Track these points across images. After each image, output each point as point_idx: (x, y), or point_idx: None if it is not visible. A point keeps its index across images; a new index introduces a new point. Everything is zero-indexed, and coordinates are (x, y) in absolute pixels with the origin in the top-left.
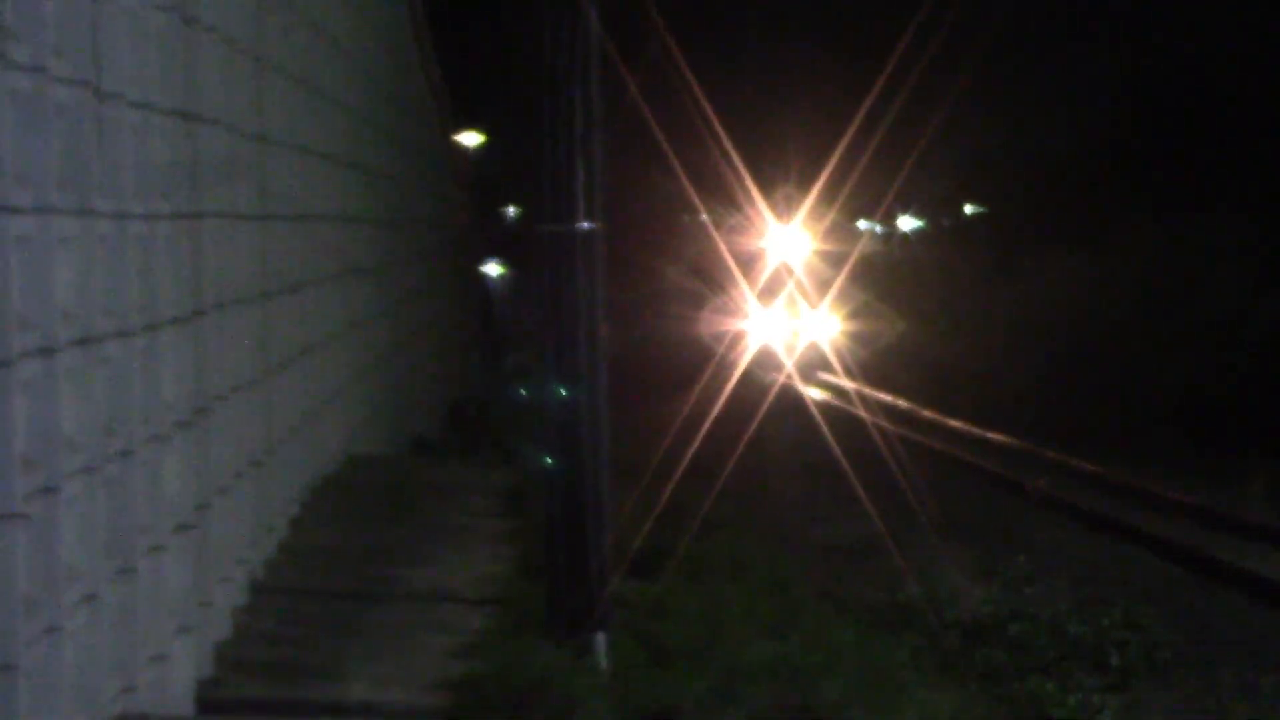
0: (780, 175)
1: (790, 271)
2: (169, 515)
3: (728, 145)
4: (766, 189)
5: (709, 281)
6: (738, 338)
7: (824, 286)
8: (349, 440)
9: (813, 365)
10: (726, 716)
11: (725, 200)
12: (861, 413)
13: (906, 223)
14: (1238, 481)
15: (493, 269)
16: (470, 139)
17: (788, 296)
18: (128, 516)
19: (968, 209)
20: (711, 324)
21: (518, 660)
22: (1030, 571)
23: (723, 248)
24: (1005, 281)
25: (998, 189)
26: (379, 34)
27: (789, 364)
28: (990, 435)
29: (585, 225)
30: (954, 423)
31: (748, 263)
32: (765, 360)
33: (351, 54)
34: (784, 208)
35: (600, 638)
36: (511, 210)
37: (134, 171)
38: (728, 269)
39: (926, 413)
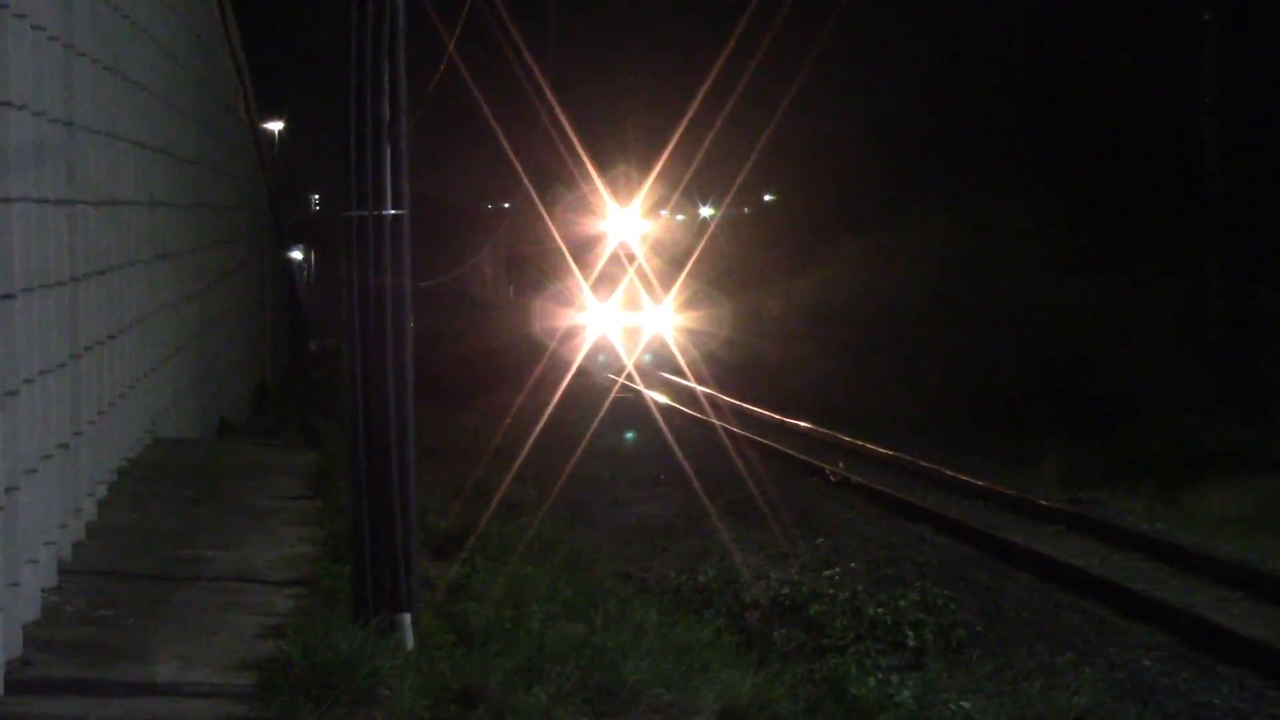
0: (617, 157)
1: (631, 258)
2: None
3: (563, 123)
4: (604, 170)
5: (539, 269)
6: (570, 334)
7: (659, 276)
8: (155, 423)
9: (612, 353)
10: (531, 696)
11: (558, 181)
12: (667, 399)
13: (706, 211)
14: (1029, 464)
15: (297, 253)
16: (273, 125)
17: (627, 287)
18: None
19: (767, 197)
20: (540, 317)
21: (324, 640)
22: (829, 553)
23: (555, 232)
24: (806, 268)
25: (798, 176)
26: (185, 18)
27: (625, 358)
28: (792, 421)
29: (392, 211)
30: (757, 409)
31: (581, 249)
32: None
33: (159, 39)
34: (622, 190)
35: (406, 618)
36: (315, 196)
37: None
38: (561, 256)
39: (730, 399)
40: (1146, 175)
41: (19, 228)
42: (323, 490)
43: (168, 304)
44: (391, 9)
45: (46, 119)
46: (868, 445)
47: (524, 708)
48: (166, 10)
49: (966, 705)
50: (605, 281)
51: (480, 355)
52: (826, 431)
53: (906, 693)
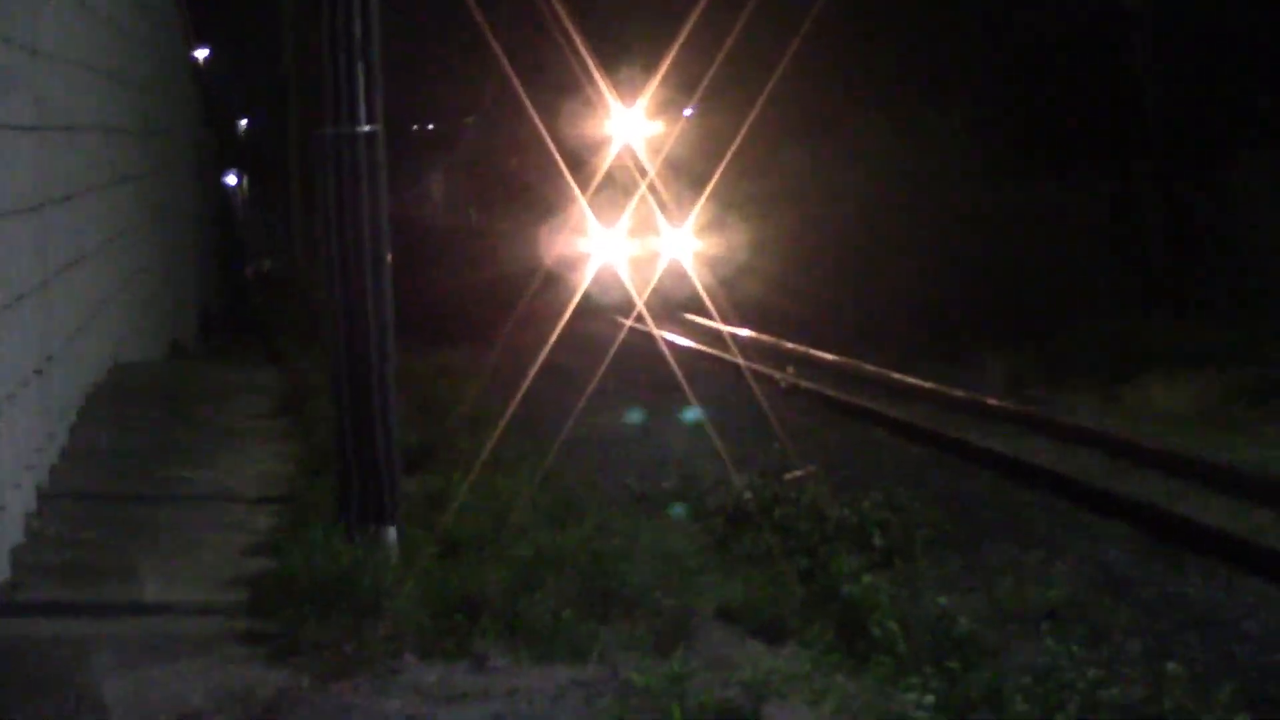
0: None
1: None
2: None
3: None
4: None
5: (512, 183)
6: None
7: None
8: (116, 347)
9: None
10: (536, 603)
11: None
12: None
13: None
14: (972, 368)
15: (231, 179)
16: (201, 50)
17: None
18: None
19: (687, 111)
20: (517, 244)
21: (322, 554)
22: (789, 457)
23: (536, 133)
24: (742, 178)
25: (730, 88)
26: None
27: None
28: (738, 331)
29: (366, 127)
30: (702, 320)
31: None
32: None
33: None
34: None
35: (392, 531)
36: (243, 120)
37: None
38: (543, 165)
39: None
40: (1077, 77)
41: None
42: (291, 408)
43: (124, 229)
44: None
45: (15, 46)
46: (815, 352)
47: (530, 614)
48: None
49: (943, 601)
50: (603, 199)
51: (441, 294)
52: (773, 339)
53: (881, 592)
